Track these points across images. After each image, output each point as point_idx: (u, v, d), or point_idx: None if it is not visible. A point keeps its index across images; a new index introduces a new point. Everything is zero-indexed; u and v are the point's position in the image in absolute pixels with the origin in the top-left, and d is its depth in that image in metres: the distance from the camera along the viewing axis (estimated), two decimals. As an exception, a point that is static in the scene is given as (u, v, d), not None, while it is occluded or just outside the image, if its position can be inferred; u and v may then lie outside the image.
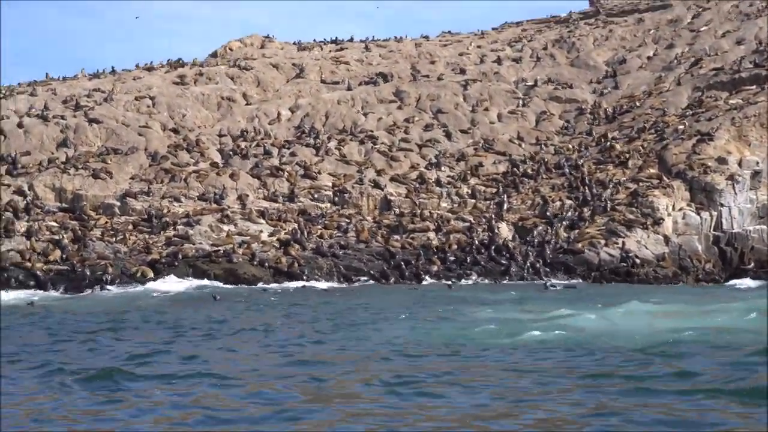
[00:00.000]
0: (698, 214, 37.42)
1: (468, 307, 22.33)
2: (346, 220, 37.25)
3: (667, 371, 11.97)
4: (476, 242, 35.73)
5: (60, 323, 19.93)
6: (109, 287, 29.85)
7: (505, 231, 36.98)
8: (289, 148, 42.75)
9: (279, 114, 46.81)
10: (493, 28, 64.57)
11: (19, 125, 41.33)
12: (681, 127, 43.01)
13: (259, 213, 37.15)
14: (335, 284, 32.09)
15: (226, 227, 35.53)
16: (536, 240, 36.04)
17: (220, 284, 30.80)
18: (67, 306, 24.64)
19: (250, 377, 11.93)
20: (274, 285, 31.16)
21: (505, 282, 33.28)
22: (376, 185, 40.08)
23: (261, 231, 35.79)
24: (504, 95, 50.50)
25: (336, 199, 39.25)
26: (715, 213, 37.51)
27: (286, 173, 40.20)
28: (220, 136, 43.98)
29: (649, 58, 54.23)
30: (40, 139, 40.96)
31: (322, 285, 31.46)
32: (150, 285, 30.12)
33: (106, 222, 35.71)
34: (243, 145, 42.69)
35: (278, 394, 10.82)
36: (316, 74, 51.77)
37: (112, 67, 52.18)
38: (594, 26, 60.36)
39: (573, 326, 17.45)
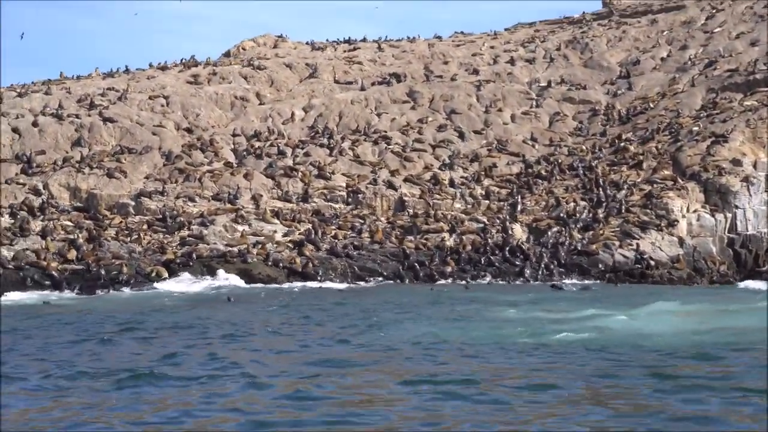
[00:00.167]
0: (713, 215, 37.32)
1: (491, 307, 22.32)
2: (360, 220, 37.25)
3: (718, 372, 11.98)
4: (490, 243, 35.70)
5: (79, 324, 19.90)
6: (123, 288, 29.80)
7: (518, 232, 36.94)
8: (302, 148, 42.75)
9: (293, 114, 46.84)
10: (506, 29, 64.46)
11: (34, 124, 41.42)
12: (695, 128, 42.89)
13: (273, 213, 37.17)
14: (351, 284, 32.08)
15: (240, 227, 35.56)
16: (550, 241, 36.00)
17: (239, 282, 30.77)
18: (83, 306, 24.61)
19: (281, 377, 11.88)
20: (289, 285, 31.16)
21: (518, 283, 33.24)
22: (390, 186, 40.07)
23: (275, 231, 35.82)
24: (517, 96, 50.43)
25: (350, 199, 39.26)
26: (729, 215, 37.41)
27: (300, 173, 40.21)
28: (234, 135, 44.02)
29: (662, 59, 54.06)
30: (54, 138, 41.06)
31: (338, 285, 31.46)
32: (164, 285, 30.10)
33: (121, 221, 35.76)
34: (257, 145, 42.73)
35: (311, 393, 10.79)
36: (330, 74, 51.79)
37: (126, 67, 52.34)
38: (607, 27, 60.22)
39: (606, 327, 17.42)
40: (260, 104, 47.70)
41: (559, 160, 43.30)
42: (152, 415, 9.81)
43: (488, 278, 33.74)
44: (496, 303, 23.62)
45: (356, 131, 45.49)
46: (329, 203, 38.83)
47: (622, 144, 43.71)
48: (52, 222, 34.68)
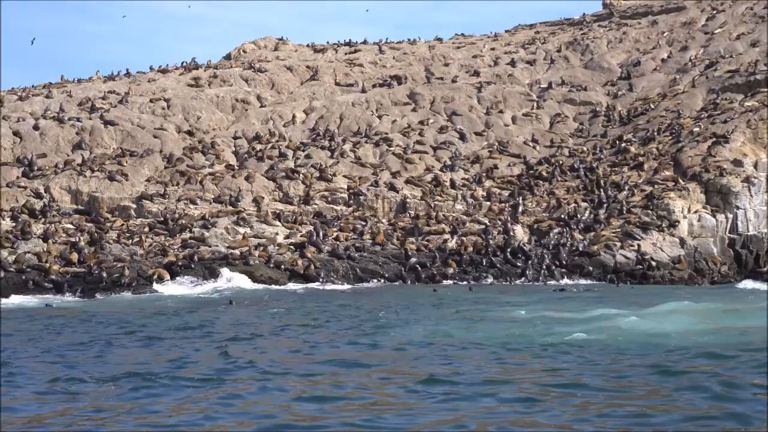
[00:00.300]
0: (714, 216, 37.34)
1: (498, 307, 22.32)
2: (362, 222, 37.27)
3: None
4: (492, 245, 35.70)
5: (84, 327, 19.78)
6: (125, 292, 29.67)
7: (520, 233, 36.95)
8: (304, 151, 42.77)
9: (294, 116, 46.87)
10: (506, 31, 64.56)
11: (35, 127, 41.43)
12: (696, 129, 42.93)
13: (275, 215, 37.21)
14: (354, 285, 32.07)
15: (242, 230, 35.58)
16: (552, 243, 36.00)
17: (242, 283, 30.76)
18: (86, 309, 24.53)
19: (295, 379, 11.85)
20: (291, 286, 31.16)
21: (518, 283, 33.27)
22: (392, 187, 40.09)
23: (277, 233, 35.84)
24: (518, 97, 50.49)
25: (351, 201, 39.29)
26: (730, 215, 37.43)
27: (301, 175, 40.23)
28: (235, 138, 44.06)
29: (663, 60, 54.13)
30: (56, 141, 41.07)
31: (341, 287, 31.47)
32: (166, 288, 30.05)
33: (122, 224, 35.77)
34: (258, 147, 42.75)
35: (328, 394, 10.78)
36: (330, 76, 51.83)
37: (127, 70, 52.36)
38: (607, 28, 60.28)
39: (617, 327, 17.38)
40: (261, 107, 47.74)
41: (560, 162, 43.33)
42: (169, 418, 9.73)
43: (490, 279, 33.75)
44: (503, 303, 23.58)
45: (357, 133, 45.53)
46: (331, 205, 38.87)
47: (623, 145, 43.75)
48: (53, 225, 34.68)
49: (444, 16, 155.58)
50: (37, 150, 39.98)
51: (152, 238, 34.66)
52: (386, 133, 45.38)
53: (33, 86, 48.93)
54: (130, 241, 34.18)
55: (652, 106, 48.22)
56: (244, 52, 56.75)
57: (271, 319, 21.16)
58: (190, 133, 43.91)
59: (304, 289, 30.63)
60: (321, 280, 32.38)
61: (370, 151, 43.59)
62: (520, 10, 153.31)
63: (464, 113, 48.02)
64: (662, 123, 45.49)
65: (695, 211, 37.48)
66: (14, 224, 34.41)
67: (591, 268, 34.60)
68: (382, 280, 33.08)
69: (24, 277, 30.06)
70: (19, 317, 22.20)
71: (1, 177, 37.61)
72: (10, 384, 12.12)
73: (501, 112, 48.66)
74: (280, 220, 36.99)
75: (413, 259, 34.17)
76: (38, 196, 36.88)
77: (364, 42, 60.04)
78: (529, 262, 34.79)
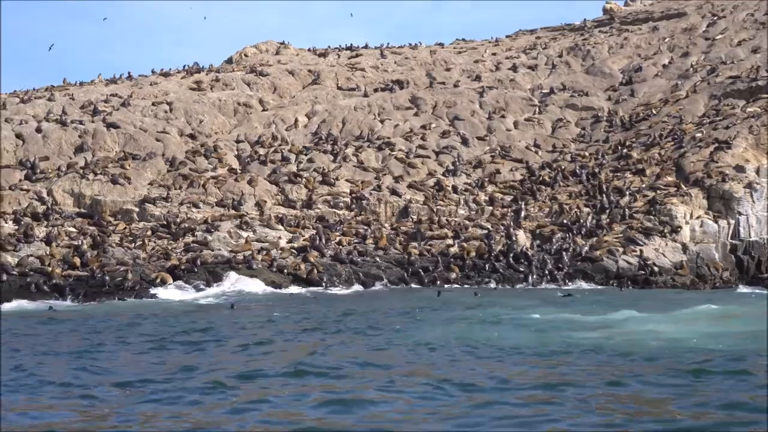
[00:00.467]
0: (716, 222, 37.35)
1: (510, 311, 22.30)
2: (364, 226, 37.27)
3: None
4: (495, 250, 35.70)
5: (89, 331, 19.79)
6: (127, 296, 29.51)
7: (522, 238, 36.97)
8: (306, 155, 42.77)
9: (296, 120, 46.90)
10: (507, 36, 64.64)
11: (38, 130, 41.41)
12: (698, 135, 42.97)
13: (278, 219, 37.21)
14: (357, 289, 32.04)
15: (244, 233, 35.57)
16: (554, 248, 36.02)
17: (247, 287, 30.71)
18: (90, 313, 24.46)
19: (313, 383, 11.80)
20: (294, 290, 31.12)
21: (520, 286, 33.25)
22: (394, 192, 40.11)
23: (279, 237, 35.83)
24: (520, 102, 50.54)
25: (353, 205, 39.28)
26: (732, 221, 37.43)
27: (304, 180, 40.23)
28: (237, 142, 44.06)
29: (664, 66, 54.18)
30: (58, 144, 41.06)
31: (344, 291, 31.46)
32: (169, 292, 29.91)
33: (125, 228, 35.74)
34: (261, 151, 42.75)
35: (350, 399, 10.74)
36: (332, 81, 51.86)
37: (129, 73, 52.42)
38: (608, 34, 60.36)
39: (642, 330, 17.35)
40: (263, 110, 47.76)
41: (563, 167, 43.36)
42: (195, 423, 9.62)
43: (492, 284, 33.73)
44: (512, 307, 23.51)
45: (359, 137, 45.53)
46: (333, 209, 38.85)
47: (625, 150, 43.79)
48: (56, 228, 34.63)
49: (443, 16, 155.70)
50: (39, 153, 39.95)
51: (155, 242, 34.62)
52: (388, 138, 45.40)
53: (35, 89, 48.98)
54: (133, 244, 34.12)
55: (654, 112, 48.26)
56: (246, 56, 56.77)
57: (281, 323, 21.10)
58: (192, 136, 43.92)
59: (306, 292, 30.58)
60: (324, 284, 32.37)
61: (373, 156, 43.59)
62: (519, 16, 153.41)
63: (466, 118, 48.06)
64: (664, 128, 45.53)
65: (697, 217, 37.50)
66: (17, 227, 34.35)
67: (593, 274, 34.63)
68: (386, 282, 33.02)
69: (28, 279, 29.99)
70: (23, 321, 22.17)
71: (4, 180, 37.57)
72: (11, 390, 12.00)
73: (503, 116, 48.72)
74: (282, 224, 36.99)
75: (416, 264, 34.16)
76: (41, 199, 36.82)
77: (366, 47, 60.13)
78: (532, 267, 34.81)
